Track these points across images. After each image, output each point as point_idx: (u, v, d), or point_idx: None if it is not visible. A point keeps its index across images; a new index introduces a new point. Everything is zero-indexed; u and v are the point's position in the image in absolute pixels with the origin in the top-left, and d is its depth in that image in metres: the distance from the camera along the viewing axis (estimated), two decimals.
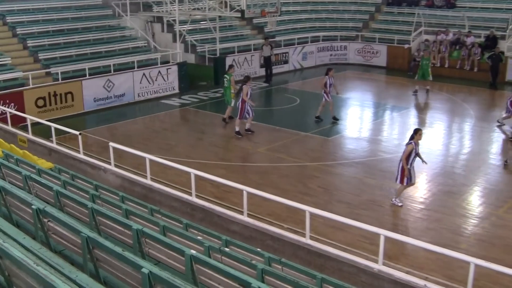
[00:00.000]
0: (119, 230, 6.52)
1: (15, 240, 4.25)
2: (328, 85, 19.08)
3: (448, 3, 31.41)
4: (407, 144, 12.51)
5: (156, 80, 23.20)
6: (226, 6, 26.00)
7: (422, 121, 20.25)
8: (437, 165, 15.10)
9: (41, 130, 15.93)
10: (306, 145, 16.95)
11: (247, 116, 17.73)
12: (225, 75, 19.59)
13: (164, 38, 27.49)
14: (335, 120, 19.52)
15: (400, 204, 12.39)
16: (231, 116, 19.18)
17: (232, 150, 16.55)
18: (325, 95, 19.27)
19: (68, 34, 23.61)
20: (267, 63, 27.05)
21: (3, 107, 17.45)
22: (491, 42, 27.46)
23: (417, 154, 12.53)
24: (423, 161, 12.75)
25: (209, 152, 16.24)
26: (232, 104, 18.89)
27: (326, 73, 19.46)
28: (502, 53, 26.10)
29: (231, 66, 20.57)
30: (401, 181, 12.41)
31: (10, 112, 16.57)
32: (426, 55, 24.17)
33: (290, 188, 13.32)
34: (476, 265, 7.81)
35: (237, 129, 17.73)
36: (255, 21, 31.39)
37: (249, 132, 17.92)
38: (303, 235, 9.68)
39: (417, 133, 12.56)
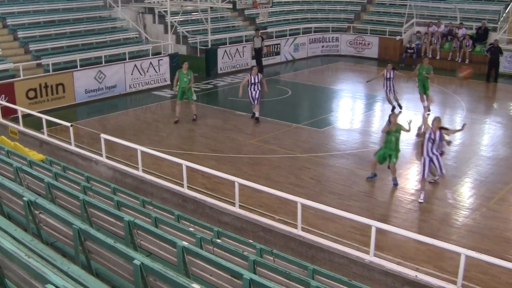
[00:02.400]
0: (110, 221, 6.52)
1: (6, 232, 4.24)
2: (385, 79, 19.35)
3: None
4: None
5: (147, 71, 23.11)
6: None
7: (412, 112, 20.30)
8: None
9: (32, 122, 15.87)
10: (297, 137, 16.95)
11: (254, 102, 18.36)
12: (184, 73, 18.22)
13: (156, 29, 27.40)
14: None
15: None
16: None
17: (223, 142, 16.53)
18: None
19: (59, 25, 23.47)
20: (258, 54, 26.98)
21: None
22: (482, 34, 27.54)
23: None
24: None
25: (200, 144, 16.23)
26: (194, 97, 18.80)
27: None
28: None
29: (184, 62, 19.09)
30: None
31: (0, 104, 16.48)
32: (426, 64, 19.27)
33: (281, 180, 13.34)
34: (467, 256, 7.86)
35: (257, 114, 18.42)
36: (246, 12, 31.35)
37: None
38: (295, 226, 9.71)
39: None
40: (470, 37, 27.60)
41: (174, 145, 16.03)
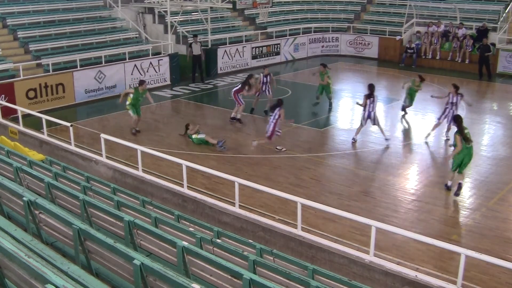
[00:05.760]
0: (110, 221, 6.52)
1: (6, 232, 4.24)
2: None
3: None
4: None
5: (147, 71, 23.13)
6: None
7: (413, 113, 20.29)
8: (428, 157, 15.16)
9: (32, 122, 15.87)
10: (298, 137, 16.96)
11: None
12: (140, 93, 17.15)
13: (156, 29, 27.38)
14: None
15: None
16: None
17: None
18: None
19: (59, 25, 23.45)
20: (197, 62, 24.93)
21: None
22: (480, 34, 27.56)
23: None
24: None
25: (200, 144, 16.21)
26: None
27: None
28: (494, 44, 26.21)
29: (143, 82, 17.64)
30: None
31: (0, 104, 16.48)
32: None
33: (281, 180, 13.34)
34: (467, 256, 7.86)
35: (238, 116, 18.39)
36: (246, 12, 31.36)
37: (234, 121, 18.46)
38: (295, 226, 9.71)
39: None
40: (470, 37, 27.62)
41: (174, 145, 16.03)
